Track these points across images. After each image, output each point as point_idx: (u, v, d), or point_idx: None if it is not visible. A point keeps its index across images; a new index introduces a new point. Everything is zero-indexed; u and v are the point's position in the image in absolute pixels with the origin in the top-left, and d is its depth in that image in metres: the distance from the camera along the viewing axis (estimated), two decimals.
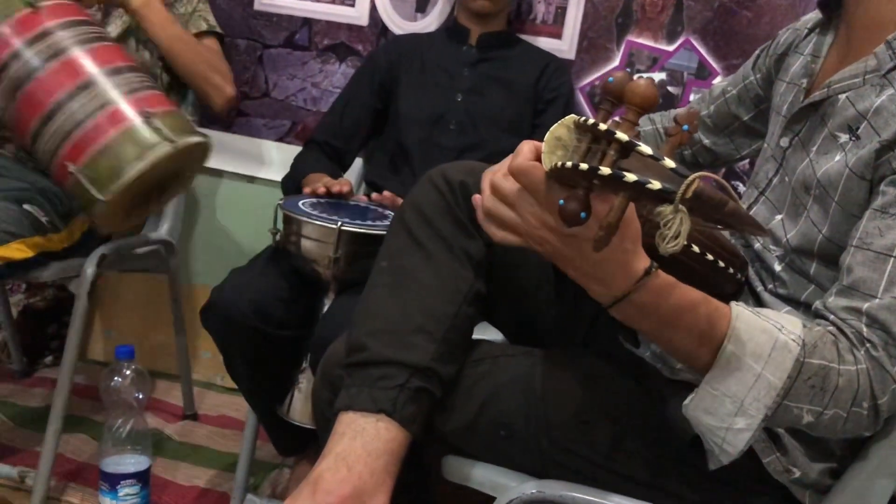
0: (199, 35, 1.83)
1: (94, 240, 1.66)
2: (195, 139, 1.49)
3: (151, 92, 1.51)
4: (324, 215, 1.38)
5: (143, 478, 1.50)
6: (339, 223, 1.34)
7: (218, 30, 1.86)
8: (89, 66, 1.46)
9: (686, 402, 0.81)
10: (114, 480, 1.47)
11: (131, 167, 1.40)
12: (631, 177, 0.62)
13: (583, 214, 0.66)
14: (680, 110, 1.34)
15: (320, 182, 1.53)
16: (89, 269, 1.59)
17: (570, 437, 0.92)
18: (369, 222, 1.39)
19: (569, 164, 0.66)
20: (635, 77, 0.70)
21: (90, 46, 1.48)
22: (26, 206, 1.53)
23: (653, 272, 0.76)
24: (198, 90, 1.83)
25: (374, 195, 1.56)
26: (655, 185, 0.62)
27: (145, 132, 1.43)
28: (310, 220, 1.36)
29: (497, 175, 0.80)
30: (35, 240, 1.52)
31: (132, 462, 1.49)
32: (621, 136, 0.65)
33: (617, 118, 0.70)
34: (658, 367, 0.96)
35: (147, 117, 1.44)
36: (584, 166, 0.64)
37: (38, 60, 1.44)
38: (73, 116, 1.43)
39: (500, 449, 0.94)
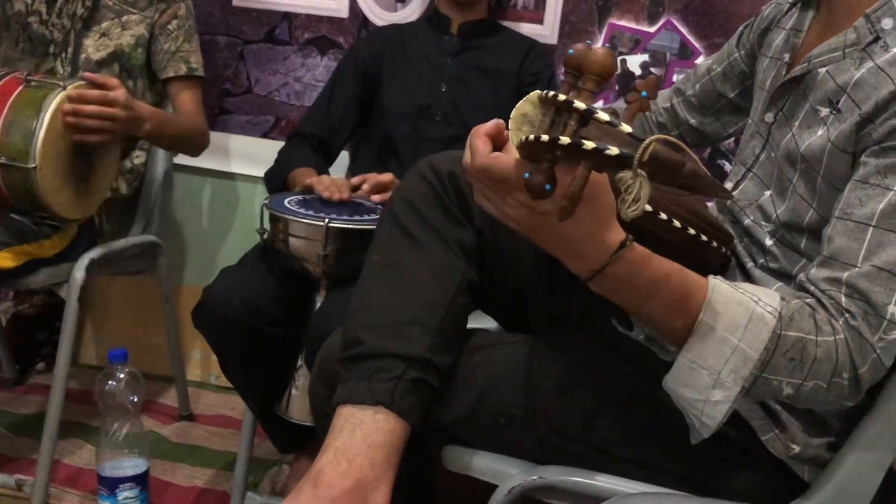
0: (178, 80, 1.79)
1: (82, 245, 1.65)
2: (82, 81, 1.51)
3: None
4: (310, 212, 1.37)
5: (141, 480, 1.50)
6: (327, 220, 1.33)
7: (198, 73, 1.81)
8: None
9: (666, 375, 0.82)
10: (113, 484, 1.47)
11: (37, 122, 1.44)
12: (590, 144, 0.63)
13: (547, 186, 0.66)
14: (639, 79, 1.33)
15: (320, 185, 1.48)
16: (78, 273, 1.59)
17: (569, 422, 0.92)
18: (357, 217, 1.38)
19: (531, 137, 0.67)
20: (595, 48, 0.71)
21: None
22: (13, 216, 1.52)
23: (628, 245, 0.77)
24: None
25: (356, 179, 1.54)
26: (613, 150, 0.63)
27: (34, 91, 1.47)
28: (297, 219, 1.35)
29: (486, 157, 0.79)
30: (24, 248, 1.52)
31: (130, 465, 1.49)
32: (579, 104, 0.66)
33: (579, 90, 0.71)
34: (653, 350, 0.96)
35: (27, 81, 1.48)
36: (545, 137, 0.65)
37: None
38: None
39: (500, 437, 0.95)
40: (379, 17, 1.96)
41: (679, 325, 0.80)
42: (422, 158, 1.05)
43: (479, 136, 0.79)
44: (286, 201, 1.43)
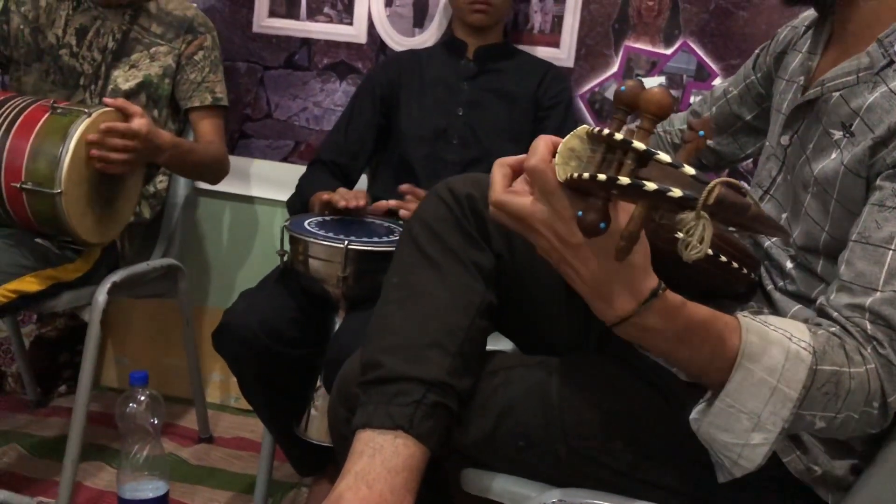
0: (201, 109, 1.82)
1: (104, 268, 1.67)
2: (107, 108, 1.54)
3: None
4: (330, 234, 1.38)
5: (162, 503, 1.50)
6: (346, 242, 1.34)
7: (222, 103, 1.84)
8: None
9: (695, 416, 0.80)
10: None
11: (63, 148, 1.46)
12: (651, 186, 0.61)
13: (602, 225, 0.65)
14: (684, 114, 1.34)
15: (336, 195, 1.52)
16: (101, 297, 1.61)
17: (589, 444, 0.92)
18: (376, 239, 1.39)
19: (586, 175, 0.66)
20: (640, 82, 0.70)
21: None
22: (38, 240, 1.55)
23: (660, 294, 0.75)
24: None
25: (392, 203, 1.57)
26: (677, 192, 0.61)
27: (59, 119, 1.50)
28: (316, 241, 1.36)
29: (499, 192, 0.79)
30: (48, 272, 1.54)
31: (150, 488, 1.49)
32: (638, 145, 0.65)
33: (631, 126, 0.70)
34: (674, 371, 0.96)
35: (53, 108, 1.51)
36: (602, 177, 0.64)
37: None
38: None
39: (520, 459, 0.94)
40: (397, 42, 1.98)
41: (713, 369, 0.78)
42: (439, 181, 1.05)
43: (545, 139, 0.76)
44: (306, 223, 1.45)
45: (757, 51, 1.19)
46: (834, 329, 0.81)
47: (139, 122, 1.52)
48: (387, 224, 1.51)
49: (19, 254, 1.51)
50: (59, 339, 2.22)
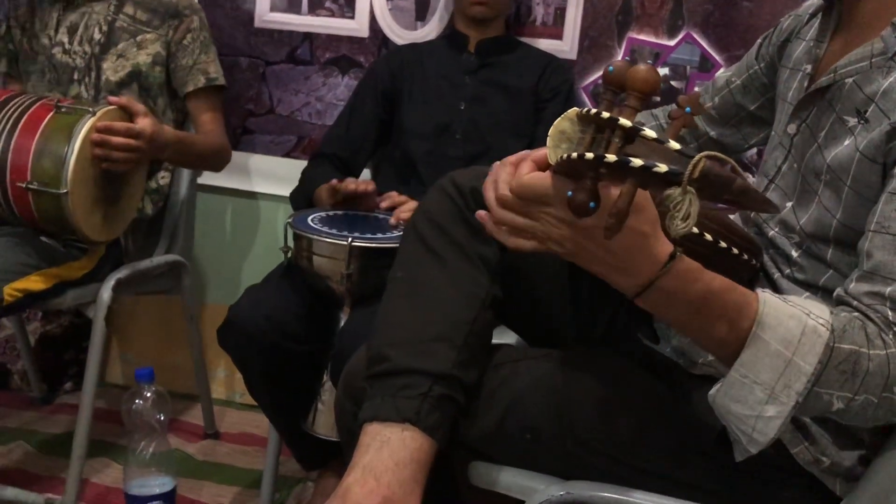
0: (198, 94, 1.81)
1: (108, 266, 1.67)
2: (111, 106, 1.53)
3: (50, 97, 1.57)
4: (333, 231, 1.38)
5: (168, 498, 1.50)
6: (350, 239, 1.34)
7: (217, 82, 1.82)
8: None
9: (712, 391, 0.81)
10: (140, 502, 1.48)
11: (68, 148, 1.46)
12: (637, 161, 0.62)
13: (592, 204, 0.66)
14: (681, 95, 1.33)
15: (346, 180, 1.52)
16: (105, 294, 1.61)
17: (595, 436, 0.92)
18: (380, 235, 1.39)
19: (574, 154, 0.66)
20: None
21: None
22: (43, 239, 1.55)
23: (678, 256, 0.76)
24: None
25: (384, 203, 1.57)
26: (662, 167, 0.62)
27: (64, 117, 1.49)
28: (320, 238, 1.36)
29: (503, 188, 0.79)
30: (53, 271, 1.54)
31: (157, 483, 1.49)
32: (624, 122, 0.65)
33: (622, 107, 0.70)
34: (679, 363, 0.96)
35: (58, 107, 1.50)
36: (589, 155, 0.64)
37: None
38: None
39: (526, 452, 0.94)
40: (399, 35, 1.97)
41: (730, 339, 0.78)
42: (443, 176, 1.05)
43: (526, 160, 0.78)
44: (310, 219, 1.44)
45: (759, 40, 1.18)
46: (856, 314, 0.80)
47: (143, 122, 1.52)
48: (390, 219, 1.51)
49: (24, 253, 1.51)
50: (64, 336, 2.22)
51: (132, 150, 1.51)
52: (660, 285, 0.76)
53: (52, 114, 1.49)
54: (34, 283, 1.51)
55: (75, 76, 1.75)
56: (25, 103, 1.52)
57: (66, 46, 1.76)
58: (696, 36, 1.82)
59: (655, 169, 0.61)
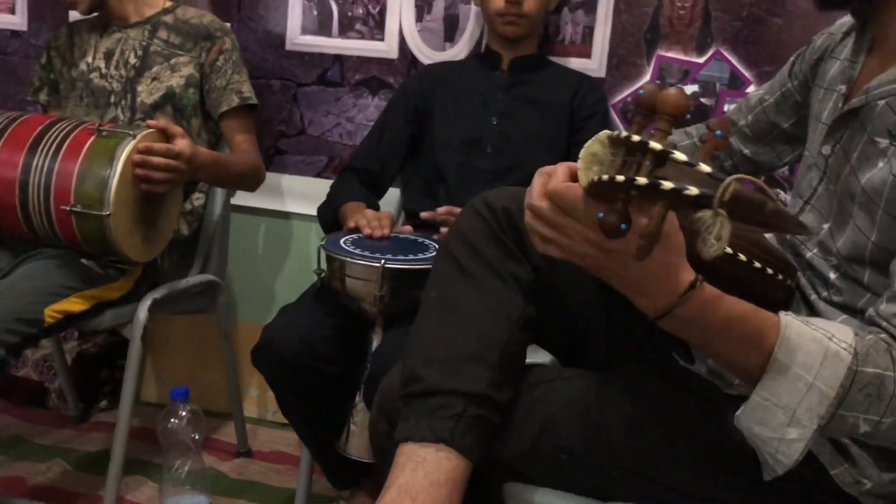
0: (232, 115, 1.84)
1: (145, 286, 1.70)
2: (150, 129, 1.56)
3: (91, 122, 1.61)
4: (366, 253, 1.39)
5: None
6: (383, 261, 1.35)
7: (250, 101, 1.85)
8: (26, 131, 1.55)
9: (738, 412, 0.80)
10: None
11: (111, 170, 1.48)
12: (668, 184, 0.62)
13: (623, 226, 0.66)
14: (712, 119, 1.33)
15: (363, 220, 1.53)
16: (142, 314, 1.63)
17: (632, 457, 0.91)
18: (411, 256, 1.39)
19: (605, 177, 0.67)
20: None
21: (19, 120, 1.58)
22: (83, 261, 1.58)
23: (698, 286, 0.77)
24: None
25: (425, 214, 1.57)
26: (693, 190, 0.62)
27: (105, 141, 1.52)
28: (352, 260, 1.37)
29: (534, 197, 0.80)
30: (91, 292, 1.57)
31: (192, 502, 1.50)
32: (655, 144, 0.66)
33: (652, 130, 0.70)
34: (715, 383, 0.95)
35: (99, 131, 1.53)
36: (620, 178, 0.65)
37: None
38: (41, 170, 1.51)
39: (562, 473, 0.94)
40: (428, 56, 1.99)
41: (751, 363, 0.79)
42: (473, 192, 1.06)
43: (563, 165, 0.79)
44: (342, 241, 1.46)
45: (792, 58, 1.18)
46: (882, 336, 0.80)
47: (181, 143, 1.55)
48: (421, 239, 1.52)
49: (64, 275, 1.53)
50: (100, 355, 2.25)
51: (172, 170, 1.54)
52: (678, 313, 0.77)
53: (93, 138, 1.52)
54: (74, 304, 1.53)
55: (112, 99, 1.79)
56: (67, 128, 1.55)
57: (103, 71, 1.81)
58: (725, 53, 1.81)
59: (686, 192, 0.62)
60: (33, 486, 1.83)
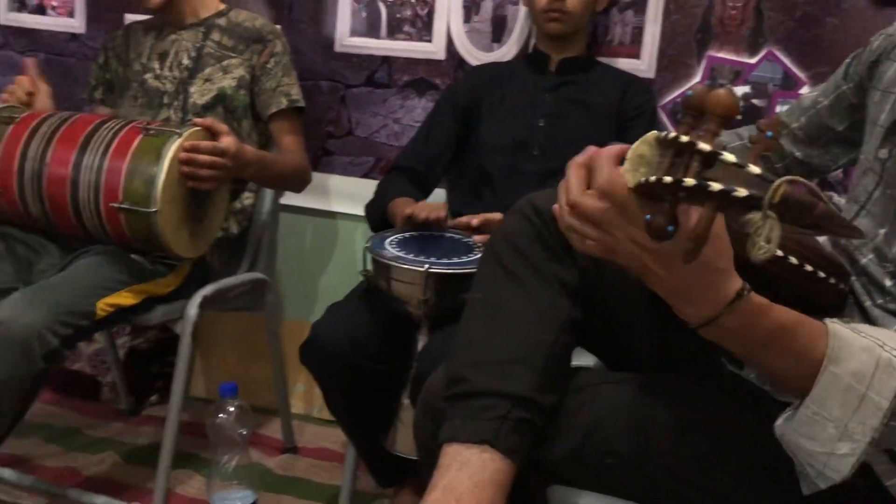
0: (280, 116, 1.86)
1: (195, 283, 1.73)
2: (197, 128, 1.59)
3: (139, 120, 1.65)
4: (410, 256, 1.39)
5: None
6: (427, 266, 1.35)
7: (299, 104, 1.88)
8: (77, 130, 1.60)
9: (779, 423, 0.78)
10: None
11: (158, 168, 1.52)
12: (716, 186, 0.61)
13: (670, 228, 0.65)
14: (761, 119, 1.31)
15: (416, 207, 1.53)
16: (192, 310, 1.66)
17: (678, 462, 0.90)
18: (456, 259, 1.39)
19: (652, 178, 0.66)
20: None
21: (71, 120, 1.63)
22: (133, 256, 1.61)
23: (745, 295, 0.74)
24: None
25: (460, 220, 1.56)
26: (742, 192, 0.61)
27: (153, 139, 1.55)
28: (397, 264, 1.38)
29: (576, 194, 0.79)
30: (142, 286, 1.61)
31: (239, 497, 1.53)
32: (703, 146, 0.65)
33: (701, 132, 0.69)
34: (765, 389, 0.93)
35: (146, 130, 1.57)
36: (667, 179, 0.64)
37: (37, 154, 1.59)
38: (92, 168, 1.55)
39: (608, 477, 0.93)
40: (475, 57, 2.00)
41: (799, 375, 0.76)
42: (519, 194, 1.05)
43: (606, 156, 0.76)
44: (387, 242, 1.46)
45: (848, 59, 1.15)
46: None
47: (226, 141, 1.58)
48: (466, 240, 1.51)
49: (116, 270, 1.58)
50: (151, 350, 2.31)
51: (217, 167, 1.57)
52: (723, 322, 0.75)
53: (141, 136, 1.56)
54: (125, 298, 1.57)
55: (165, 100, 1.83)
56: (116, 127, 1.59)
57: (157, 72, 1.85)
58: (778, 53, 1.78)
59: (735, 193, 0.61)
60: (87, 476, 1.89)
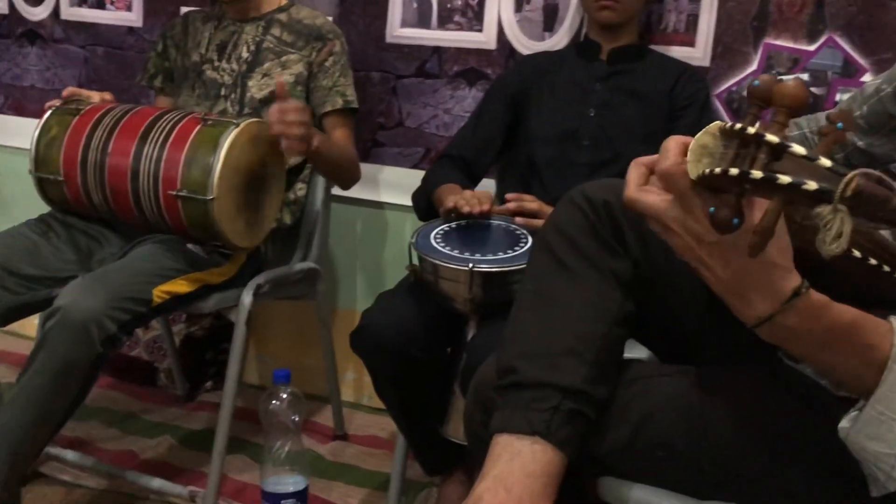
0: (333, 114, 1.88)
1: (249, 272, 1.76)
2: (254, 118, 1.63)
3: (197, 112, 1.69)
4: (455, 253, 1.39)
5: (301, 497, 1.56)
6: (471, 265, 1.35)
7: (353, 105, 1.89)
8: (138, 122, 1.65)
9: (844, 425, 0.76)
10: (275, 500, 1.54)
11: (215, 158, 1.55)
12: (785, 178, 0.60)
13: (735, 220, 0.64)
14: (831, 110, 1.28)
15: (461, 200, 1.51)
16: (246, 299, 1.69)
17: (732, 456, 0.89)
18: (501, 255, 1.38)
19: (717, 170, 0.64)
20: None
21: (132, 112, 1.68)
22: (190, 246, 1.65)
23: (803, 293, 0.72)
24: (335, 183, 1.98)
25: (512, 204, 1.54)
26: (812, 185, 0.59)
27: (210, 130, 1.59)
28: (441, 262, 1.38)
29: (633, 189, 0.78)
30: (197, 275, 1.64)
31: (291, 482, 1.56)
32: (772, 137, 0.63)
33: (768, 123, 0.68)
34: (823, 384, 0.92)
35: (204, 121, 1.61)
36: (734, 171, 0.63)
37: (100, 144, 1.64)
38: (151, 158, 1.60)
39: (659, 470, 0.93)
40: (526, 46, 1.98)
41: (863, 374, 0.74)
42: (568, 184, 1.05)
43: (675, 140, 0.74)
44: (433, 236, 1.46)
45: None
46: None
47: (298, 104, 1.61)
48: (514, 228, 1.50)
49: (172, 258, 1.61)
50: (206, 338, 2.35)
51: (304, 125, 1.58)
52: (779, 321, 0.73)
53: (199, 126, 1.60)
54: (180, 286, 1.61)
55: (222, 92, 1.86)
56: (175, 118, 1.63)
57: (216, 63, 1.88)
58: (838, 40, 1.73)
59: (805, 186, 0.59)
60: (144, 459, 1.94)
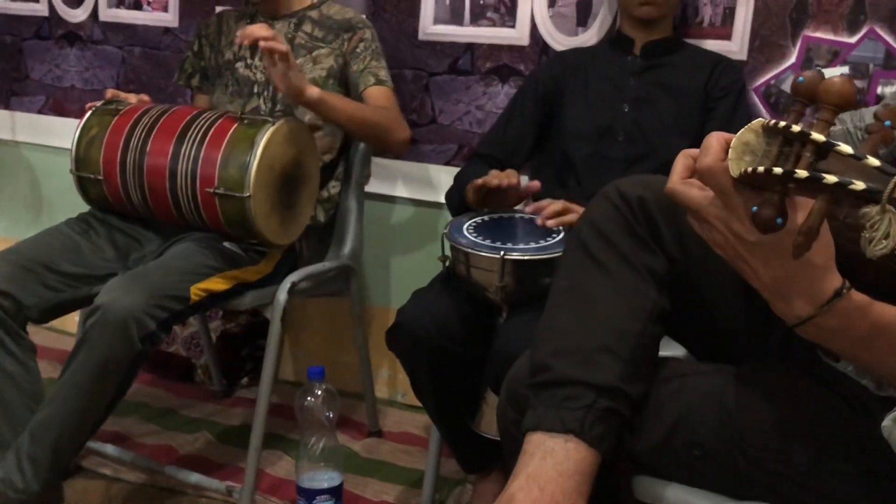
0: (370, 90, 1.84)
1: (284, 270, 1.78)
2: (289, 117, 1.65)
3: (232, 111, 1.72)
4: (487, 242, 1.39)
5: (336, 493, 1.58)
6: (502, 253, 1.35)
7: (387, 84, 1.86)
8: (175, 122, 1.67)
9: (887, 423, 0.75)
10: (310, 495, 1.56)
11: (251, 155, 1.58)
12: (831, 178, 0.59)
13: (779, 220, 0.63)
14: (877, 107, 1.25)
15: (487, 176, 1.53)
16: (282, 296, 1.71)
17: (769, 456, 0.88)
18: (533, 245, 1.39)
19: (761, 168, 0.63)
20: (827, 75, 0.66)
21: (169, 112, 1.70)
22: (226, 244, 1.67)
23: (844, 294, 0.71)
24: (377, 146, 1.94)
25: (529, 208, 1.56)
26: (859, 185, 0.58)
27: (246, 128, 1.62)
28: (473, 251, 1.38)
29: (675, 181, 0.78)
30: (233, 273, 1.66)
31: (326, 478, 1.57)
32: (818, 136, 0.62)
33: (813, 120, 0.66)
34: (863, 383, 0.90)
35: (241, 119, 1.64)
36: (777, 170, 0.61)
37: (138, 144, 1.67)
38: (188, 157, 1.62)
39: (695, 469, 0.92)
40: (559, 42, 1.97)
41: None
42: (603, 181, 1.04)
43: (717, 136, 0.73)
44: (465, 227, 1.47)
45: None
46: None
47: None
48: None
49: (209, 256, 1.63)
50: (242, 334, 2.38)
51: (288, 56, 1.56)
52: (819, 322, 0.72)
53: (235, 125, 1.62)
54: (216, 283, 1.63)
55: (255, 89, 1.88)
56: (212, 118, 1.66)
57: (248, 61, 1.89)
58: (880, 31, 1.69)
59: (852, 186, 0.58)
60: (182, 454, 1.96)
